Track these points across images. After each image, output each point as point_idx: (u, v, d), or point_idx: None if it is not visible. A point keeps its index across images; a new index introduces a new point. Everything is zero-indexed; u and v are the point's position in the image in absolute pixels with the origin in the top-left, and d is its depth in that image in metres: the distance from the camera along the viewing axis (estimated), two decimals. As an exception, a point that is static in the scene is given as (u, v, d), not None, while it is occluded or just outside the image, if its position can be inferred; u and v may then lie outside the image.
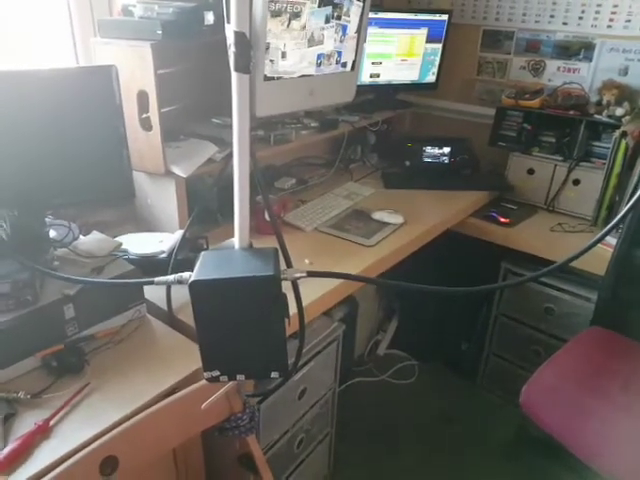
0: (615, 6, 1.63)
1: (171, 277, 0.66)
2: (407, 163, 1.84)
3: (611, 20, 1.65)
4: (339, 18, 1.46)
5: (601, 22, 1.67)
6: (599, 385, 1.21)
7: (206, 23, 1.15)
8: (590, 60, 1.72)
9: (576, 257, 0.63)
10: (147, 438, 0.74)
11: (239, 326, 0.65)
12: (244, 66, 0.58)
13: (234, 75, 0.59)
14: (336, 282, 1.15)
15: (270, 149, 1.48)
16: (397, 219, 1.48)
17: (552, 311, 1.67)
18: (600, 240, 0.63)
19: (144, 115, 1.16)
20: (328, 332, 1.35)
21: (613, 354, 1.33)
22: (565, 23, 1.74)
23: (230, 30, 0.57)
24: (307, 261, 1.23)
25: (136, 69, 1.11)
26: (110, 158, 1.01)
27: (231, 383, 0.75)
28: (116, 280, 0.93)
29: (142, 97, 1.14)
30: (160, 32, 1.08)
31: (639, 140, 1.46)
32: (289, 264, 0.71)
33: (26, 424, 0.75)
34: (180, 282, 0.65)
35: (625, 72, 1.66)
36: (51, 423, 0.75)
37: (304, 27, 1.31)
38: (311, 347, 1.29)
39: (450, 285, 0.67)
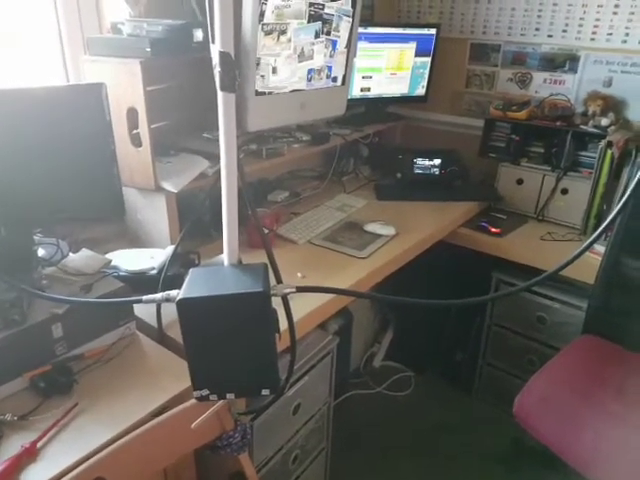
0: (597, 20, 1.67)
1: (159, 295, 0.65)
2: (399, 175, 1.85)
3: (594, 33, 1.69)
4: (329, 33, 1.48)
5: (584, 35, 1.71)
6: (592, 393, 1.21)
7: (195, 40, 1.16)
8: (575, 72, 1.75)
9: (564, 266, 0.64)
10: (136, 459, 0.72)
11: (228, 344, 0.64)
12: (230, 85, 0.59)
13: (220, 94, 0.59)
14: (329, 295, 1.15)
15: (262, 163, 1.48)
16: (389, 231, 1.48)
17: (544, 320, 1.68)
18: (587, 249, 0.64)
19: (134, 131, 1.17)
20: (322, 345, 1.34)
21: (605, 362, 1.33)
22: (550, 36, 1.78)
23: (215, 50, 0.58)
24: (300, 274, 1.23)
25: (126, 86, 1.12)
26: (100, 174, 1.00)
27: (221, 402, 0.74)
28: (103, 300, 0.92)
29: (132, 114, 1.14)
30: (149, 49, 1.09)
31: (624, 150, 1.48)
32: (279, 279, 0.71)
33: (13, 447, 0.74)
34: (168, 300, 0.64)
35: (609, 83, 1.69)
36: (38, 445, 0.74)
37: (290, 40, 1.33)
38: (305, 361, 1.28)
39: (443, 296, 0.67)
